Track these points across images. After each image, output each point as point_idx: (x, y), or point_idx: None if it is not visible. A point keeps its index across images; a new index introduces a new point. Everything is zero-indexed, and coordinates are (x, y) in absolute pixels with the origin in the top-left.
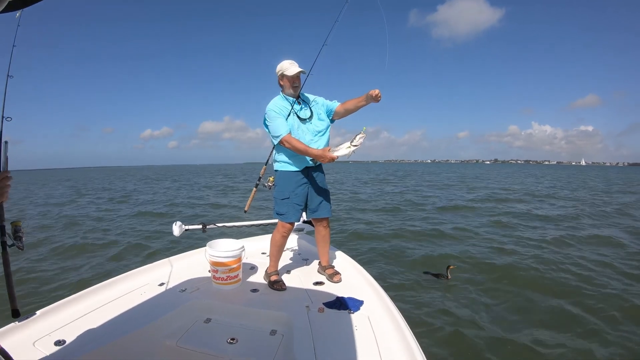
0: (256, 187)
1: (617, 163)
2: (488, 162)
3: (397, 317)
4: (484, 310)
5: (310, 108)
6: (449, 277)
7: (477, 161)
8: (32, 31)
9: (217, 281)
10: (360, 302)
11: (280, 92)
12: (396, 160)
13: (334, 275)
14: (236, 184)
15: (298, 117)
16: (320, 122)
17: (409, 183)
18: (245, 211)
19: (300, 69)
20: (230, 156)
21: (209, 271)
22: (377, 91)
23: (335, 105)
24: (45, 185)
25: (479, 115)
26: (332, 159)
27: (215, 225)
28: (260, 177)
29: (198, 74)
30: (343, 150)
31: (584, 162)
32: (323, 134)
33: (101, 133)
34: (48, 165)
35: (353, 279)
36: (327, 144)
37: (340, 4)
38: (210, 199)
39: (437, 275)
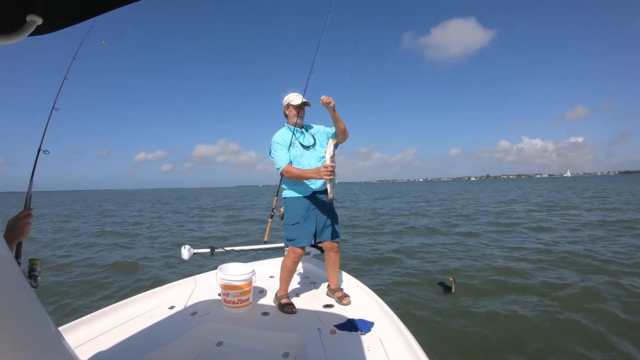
0: (271, 217)
1: (608, 172)
2: (474, 179)
3: (408, 337)
4: (496, 326)
5: (312, 136)
6: (453, 290)
7: (468, 178)
8: (27, 44)
9: (228, 305)
10: (371, 324)
11: (285, 124)
12: (389, 180)
13: (343, 298)
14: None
15: (302, 145)
16: (322, 148)
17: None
18: (265, 241)
19: (304, 100)
20: (223, 179)
21: (220, 294)
22: (321, 99)
23: (333, 130)
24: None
25: (470, 131)
26: (332, 167)
27: (223, 249)
28: (273, 208)
29: (194, 96)
30: (329, 153)
31: (569, 174)
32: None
33: (96, 156)
34: (41, 187)
35: (362, 300)
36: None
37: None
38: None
39: (445, 287)
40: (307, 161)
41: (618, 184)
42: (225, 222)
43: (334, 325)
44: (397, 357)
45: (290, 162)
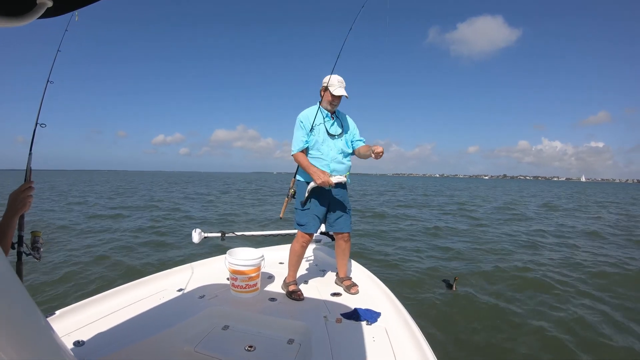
0: (287, 196)
1: (627, 180)
2: (486, 177)
3: (415, 329)
4: (500, 322)
5: (342, 126)
6: (455, 288)
7: (485, 176)
8: (45, 31)
9: (236, 289)
10: (378, 314)
11: (318, 103)
12: (405, 174)
13: (351, 287)
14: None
15: (327, 131)
16: (347, 146)
17: None
18: (280, 217)
19: (344, 93)
20: (238, 165)
21: (228, 279)
22: (380, 149)
23: (359, 144)
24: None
25: (490, 130)
26: (329, 183)
27: (234, 233)
28: (290, 188)
29: (215, 81)
30: (339, 179)
31: (584, 179)
32: (347, 156)
33: (115, 137)
34: (55, 166)
35: (370, 290)
36: (349, 168)
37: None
38: None
39: (450, 286)
40: (328, 150)
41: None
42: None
43: (341, 314)
44: (402, 348)
45: (308, 147)
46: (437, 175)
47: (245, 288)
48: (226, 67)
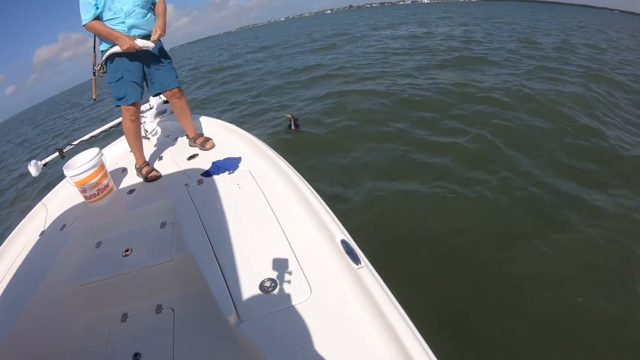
0: (94, 74)
1: None
2: (329, 12)
3: (279, 161)
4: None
5: None
6: (293, 127)
7: (331, 10)
8: None
9: (91, 200)
10: (238, 159)
11: None
12: (249, 26)
13: (205, 143)
14: None
15: None
16: None
17: None
18: (94, 99)
19: None
20: (76, 76)
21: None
22: (159, 33)
23: None
24: None
25: None
26: (132, 47)
27: (71, 145)
28: (93, 64)
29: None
30: (146, 43)
31: (426, 0)
32: (149, 5)
33: None
34: None
35: (226, 139)
36: (153, 21)
37: None
38: None
39: (289, 126)
40: (120, 6)
41: None
42: None
43: (201, 175)
44: (268, 181)
45: (99, 12)
46: (282, 19)
47: (98, 195)
48: None
